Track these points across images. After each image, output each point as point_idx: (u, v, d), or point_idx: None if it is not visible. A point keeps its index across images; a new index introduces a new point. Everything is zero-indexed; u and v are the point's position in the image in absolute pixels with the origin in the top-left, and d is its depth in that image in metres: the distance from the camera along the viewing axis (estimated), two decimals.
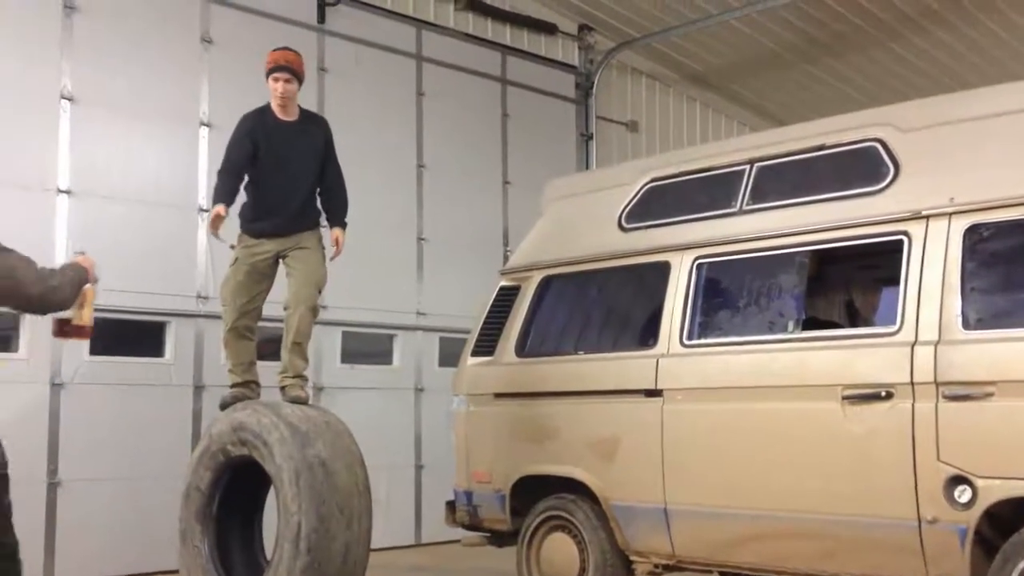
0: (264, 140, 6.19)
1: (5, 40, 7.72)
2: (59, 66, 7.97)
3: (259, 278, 6.21)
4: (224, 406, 6.20)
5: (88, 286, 4.71)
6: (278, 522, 5.54)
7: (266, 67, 6.27)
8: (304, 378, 6.18)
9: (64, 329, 4.81)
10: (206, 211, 8.33)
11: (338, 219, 6.43)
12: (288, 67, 6.21)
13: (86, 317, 4.72)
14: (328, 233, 6.38)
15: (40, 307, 4.58)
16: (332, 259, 6.35)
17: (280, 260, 6.26)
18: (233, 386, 6.26)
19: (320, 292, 6.26)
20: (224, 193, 6.13)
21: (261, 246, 6.19)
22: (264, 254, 6.19)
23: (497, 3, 11.10)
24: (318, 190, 6.41)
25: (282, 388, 6.14)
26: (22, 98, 7.76)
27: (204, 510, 5.92)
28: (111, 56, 8.23)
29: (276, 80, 6.20)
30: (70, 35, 8.03)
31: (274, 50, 6.31)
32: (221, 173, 6.26)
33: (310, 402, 6.21)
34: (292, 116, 6.31)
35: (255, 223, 6.23)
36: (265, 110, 6.30)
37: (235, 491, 6.02)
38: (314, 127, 6.42)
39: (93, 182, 8.04)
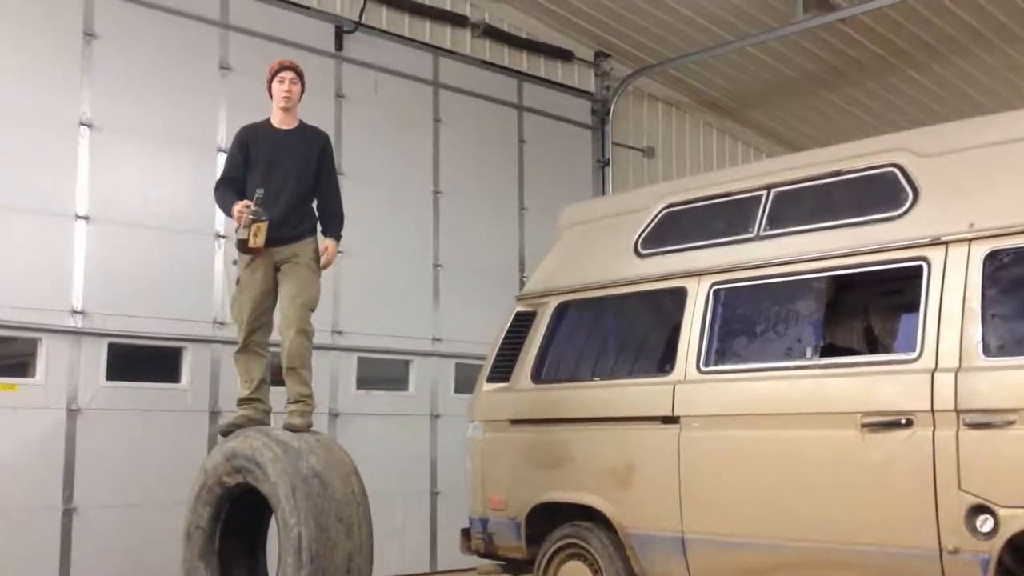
0: (253, 145, 6.22)
1: (26, 67, 7.78)
2: (78, 93, 8.01)
3: (262, 293, 6.15)
4: (224, 433, 6.10)
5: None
6: (279, 539, 5.51)
7: (268, 75, 6.35)
8: (304, 402, 6.04)
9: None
10: (223, 237, 8.38)
11: (332, 232, 6.40)
12: (292, 67, 6.30)
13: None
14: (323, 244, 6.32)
15: None
16: (322, 268, 6.30)
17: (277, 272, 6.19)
18: (239, 402, 6.18)
19: (312, 310, 6.15)
20: (227, 202, 6.11)
21: (259, 258, 6.11)
22: (261, 267, 6.12)
23: (514, 30, 11.14)
24: (315, 203, 6.38)
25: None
26: (42, 124, 7.80)
27: (207, 547, 5.89)
28: (130, 83, 8.27)
29: (281, 81, 6.25)
30: (90, 62, 8.08)
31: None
32: (216, 189, 6.32)
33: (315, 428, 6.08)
34: (291, 124, 6.32)
35: None
36: (262, 122, 6.36)
37: (235, 524, 5.98)
38: (311, 136, 6.39)
39: (111, 208, 8.06)
